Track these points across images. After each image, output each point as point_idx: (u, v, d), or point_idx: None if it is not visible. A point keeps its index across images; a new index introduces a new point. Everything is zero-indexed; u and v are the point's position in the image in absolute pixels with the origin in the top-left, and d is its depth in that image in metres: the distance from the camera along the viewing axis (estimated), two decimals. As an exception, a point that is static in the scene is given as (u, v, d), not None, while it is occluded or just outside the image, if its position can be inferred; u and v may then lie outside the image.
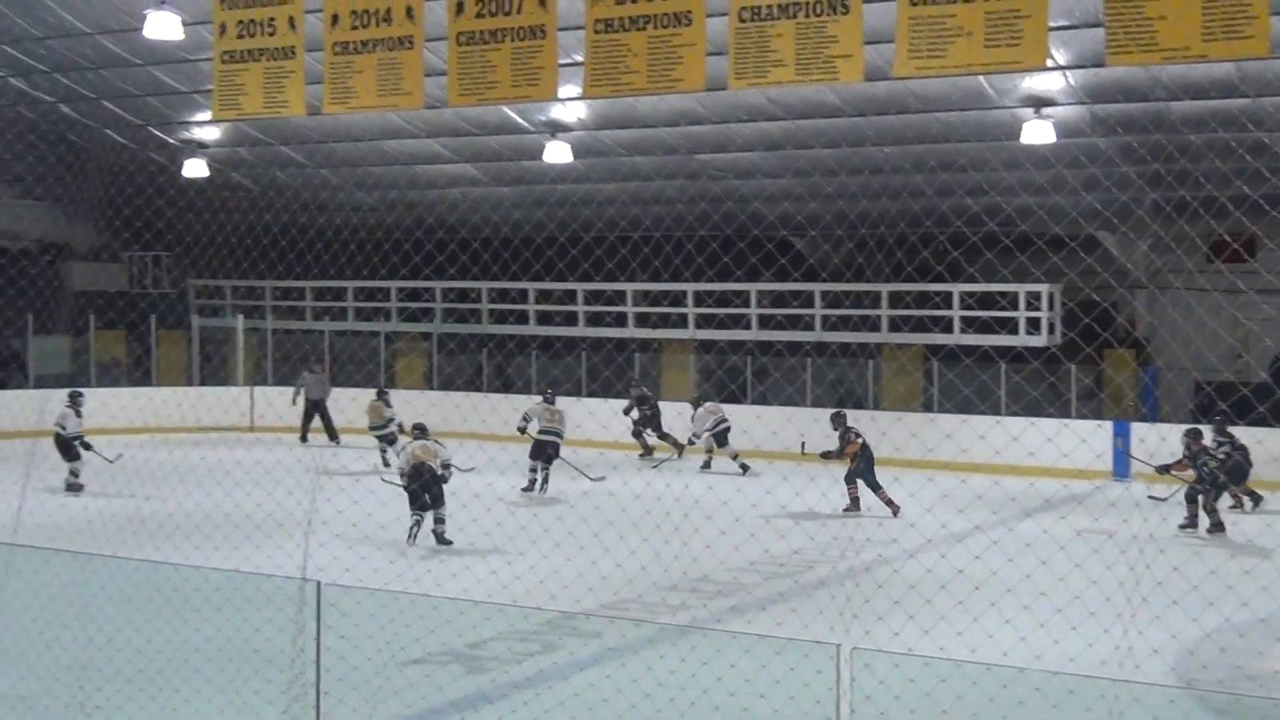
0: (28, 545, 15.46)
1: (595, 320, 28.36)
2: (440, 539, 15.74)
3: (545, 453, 19.61)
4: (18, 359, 28.63)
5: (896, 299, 25.59)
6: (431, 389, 28.96)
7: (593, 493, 15.71)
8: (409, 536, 15.70)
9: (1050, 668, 9.20)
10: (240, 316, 31.00)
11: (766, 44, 9.84)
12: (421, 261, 26.70)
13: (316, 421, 26.21)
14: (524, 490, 19.66)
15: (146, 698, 10.03)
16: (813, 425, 20.95)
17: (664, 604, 13.77)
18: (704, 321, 27.18)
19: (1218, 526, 16.92)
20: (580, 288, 27.77)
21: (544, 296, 28.79)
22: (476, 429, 23.54)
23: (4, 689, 10.02)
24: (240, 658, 10.99)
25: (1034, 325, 24.19)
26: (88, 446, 19.64)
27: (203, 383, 30.45)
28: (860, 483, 17.89)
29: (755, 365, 25.83)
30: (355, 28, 11.33)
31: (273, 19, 11.78)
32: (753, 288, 26.16)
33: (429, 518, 15.69)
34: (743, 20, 9.90)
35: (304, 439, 26.30)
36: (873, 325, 25.75)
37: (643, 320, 28.03)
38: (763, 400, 24.94)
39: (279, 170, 29.73)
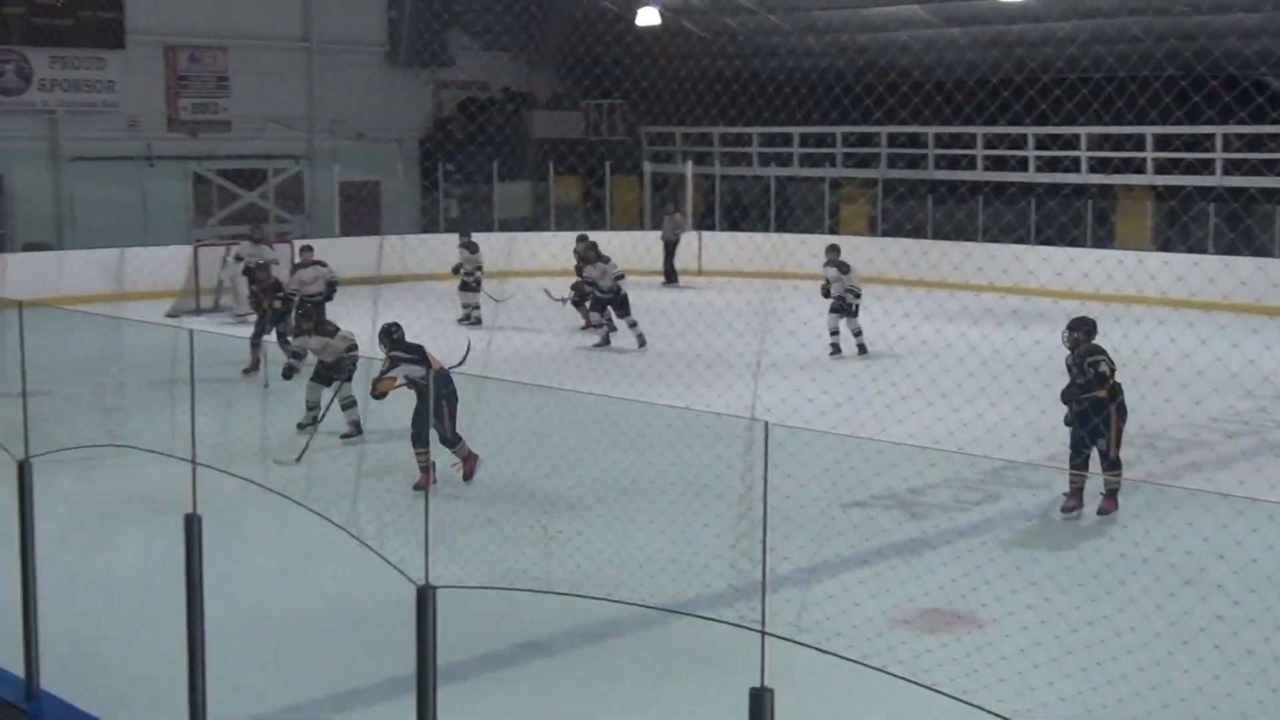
0: (496, 378, 16.43)
1: (1050, 165, 27.36)
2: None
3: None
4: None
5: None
6: (877, 235, 28.78)
7: (1045, 341, 15.24)
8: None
9: None
10: (689, 162, 31.60)
11: None
12: (872, 104, 26.36)
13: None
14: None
15: (604, 524, 10.53)
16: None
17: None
18: (1168, 166, 25.76)
19: None
20: (1030, 131, 26.81)
21: (995, 141, 27.96)
22: (925, 275, 23.28)
23: (476, 511, 10.73)
24: (691, 492, 11.36)
25: None
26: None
27: (655, 227, 31.32)
28: None
29: (1224, 212, 24.34)
30: None
31: None
32: (1220, 130, 24.55)
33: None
34: None
35: (669, 280, 27.15)
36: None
37: (1101, 165, 26.83)
38: (1231, 250, 23.51)
39: (729, 17, 29.87)
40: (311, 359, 13.81)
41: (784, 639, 6.28)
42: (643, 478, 11.84)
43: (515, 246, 24.47)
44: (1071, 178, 26.92)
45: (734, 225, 30.67)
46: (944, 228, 28.06)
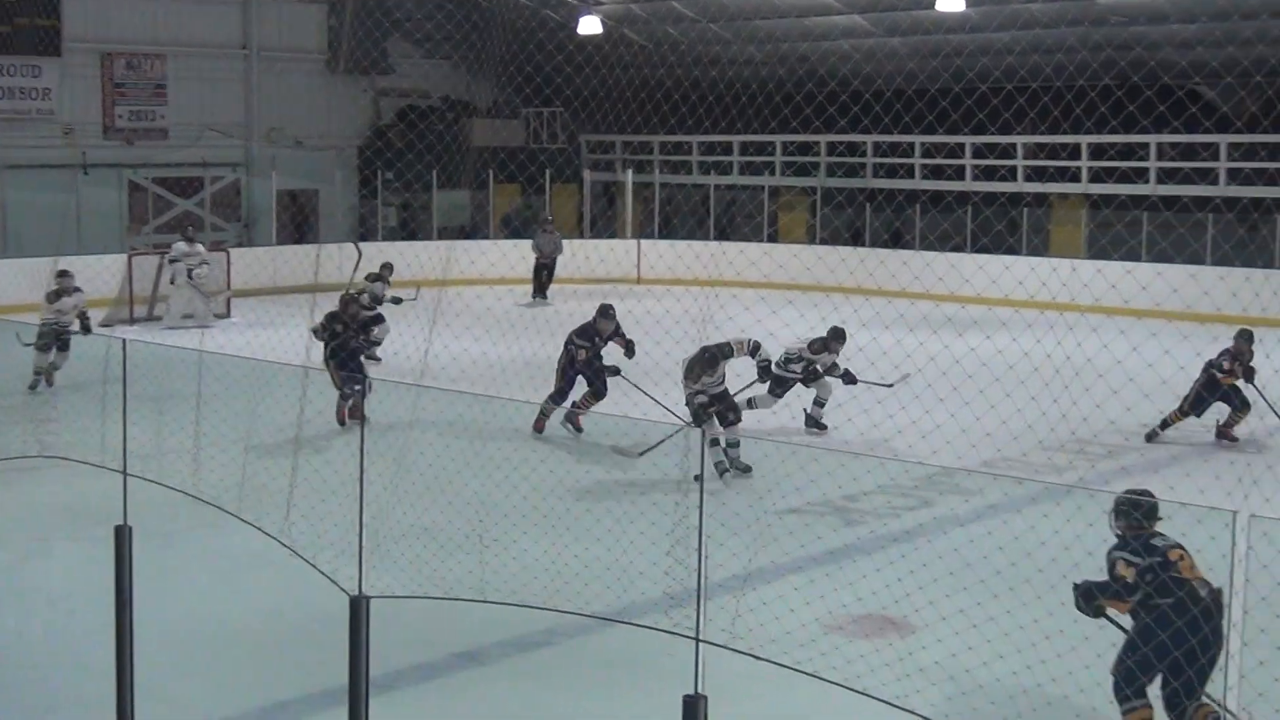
0: (434, 386, 16.38)
1: (986, 174, 27.59)
2: None
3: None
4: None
5: (1318, 149, 23.86)
6: (815, 244, 28.94)
7: (980, 349, 15.38)
8: None
9: None
10: (629, 170, 31.63)
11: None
12: (812, 114, 26.50)
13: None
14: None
15: (539, 533, 10.52)
16: (1218, 284, 19.93)
17: (1049, 464, 13.46)
18: (1103, 175, 26.06)
19: None
20: (968, 140, 27.03)
21: (934, 150, 28.18)
22: (862, 283, 23.40)
23: (411, 520, 10.69)
24: (627, 500, 11.37)
25: None
26: (397, 300, 19.32)
27: (594, 235, 31.34)
28: None
29: (1157, 220, 24.61)
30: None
31: None
32: (1153, 139, 24.85)
33: None
34: None
35: (537, 294, 26.29)
36: (1288, 178, 24.17)
37: (1037, 174, 27.08)
38: (1164, 258, 23.74)
39: (670, 26, 29.94)
40: None
41: (718, 646, 6.31)
42: (579, 485, 11.85)
43: (454, 255, 24.40)
44: (1008, 186, 27.15)
45: (672, 233, 30.73)
46: (882, 236, 28.24)
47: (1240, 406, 14.29)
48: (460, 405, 14.53)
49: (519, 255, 27.65)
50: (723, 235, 30.23)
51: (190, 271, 22.57)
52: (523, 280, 26.77)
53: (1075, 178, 26.55)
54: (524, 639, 8.89)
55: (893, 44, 28.42)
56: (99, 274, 22.58)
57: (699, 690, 5.64)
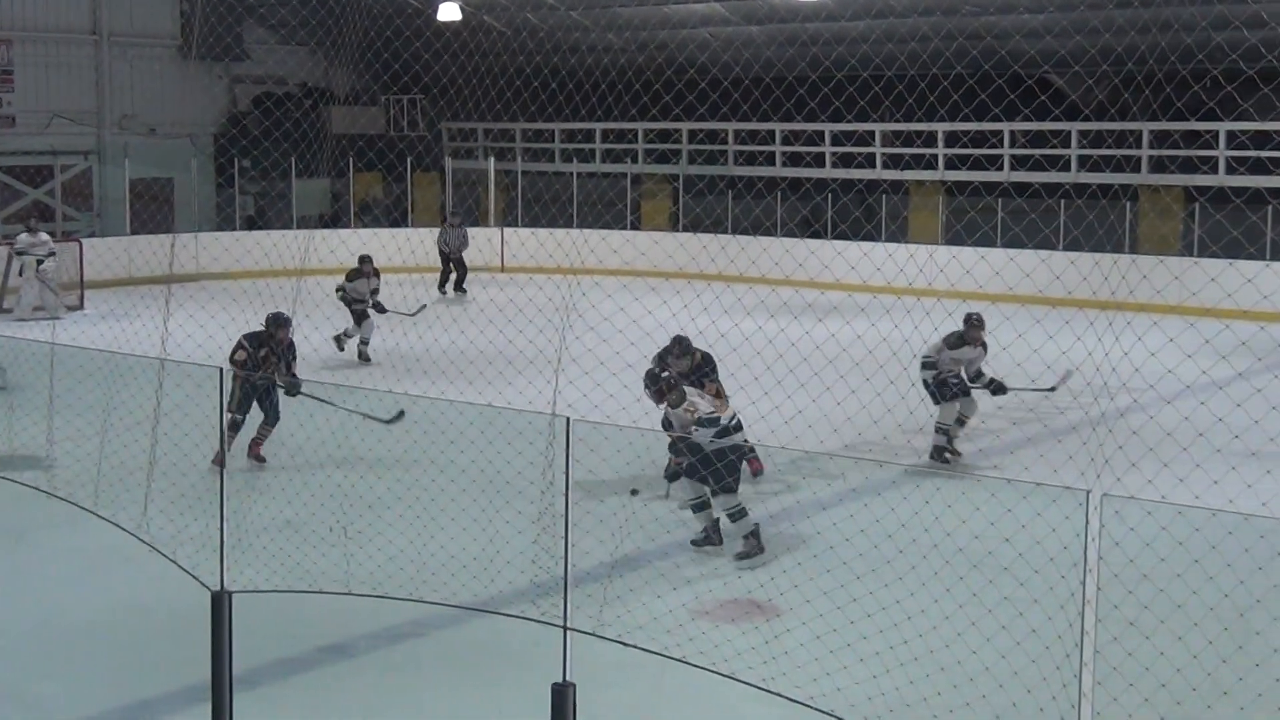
0: (296, 378, 16.17)
1: (845, 161, 27.94)
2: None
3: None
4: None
5: (1162, 138, 24.50)
6: (677, 231, 29.07)
7: (839, 334, 15.59)
8: None
9: (1313, 520, 8.86)
10: (491, 158, 31.49)
11: None
12: (671, 102, 26.60)
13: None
14: None
15: (404, 524, 10.44)
16: (1069, 268, 20.36)
17: (909, 447, 13.69)
18: (958, 162, 26.53)
19: None
20: (827, 128, 27.35)
21: (792, 137, 28.47)
22: (724, 270, 23.58)
23: (273, 513, 10.57)
24: (492, 489, 11.34)
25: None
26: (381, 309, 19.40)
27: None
28: None
29: (1009, 207, 25.12)
30: None
31: None
32: (1006, 127, 25.37)
33: None
34: None
35: (441, 286, 26.05)
36: (1135, 166, 24.77)
37: (894, 161, 27.49)
38: (1016, 243, 24.27)
39: (530, 13, 29.85)
40: None
41: (586, 633, 6.34)
42: (444, 476, 11.78)
43: (313, 244, 24.09)
44: (866, 173, 27.52)
45: (535, 221, 30.67)
46: (742, 223, 28.46)
47: None
48: (322, 395, 14.36)
49: (379, 244, 27.35)
50: (585, 223, 30.24)
51: (38, 263, 22.05)
52: (380, 268, 26.47)
53: (931, 165, 27.00)
54: (390, 630, 8.84)
55: (751, 32, 28.64)
56: (-56, 266, 22.01)
57: (567, 678, 5.66)
